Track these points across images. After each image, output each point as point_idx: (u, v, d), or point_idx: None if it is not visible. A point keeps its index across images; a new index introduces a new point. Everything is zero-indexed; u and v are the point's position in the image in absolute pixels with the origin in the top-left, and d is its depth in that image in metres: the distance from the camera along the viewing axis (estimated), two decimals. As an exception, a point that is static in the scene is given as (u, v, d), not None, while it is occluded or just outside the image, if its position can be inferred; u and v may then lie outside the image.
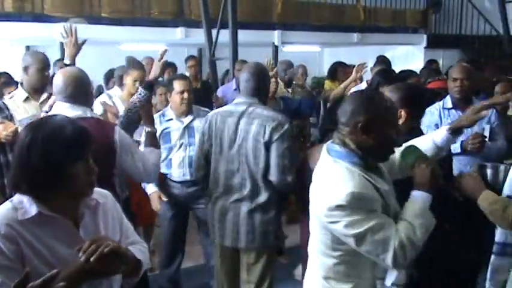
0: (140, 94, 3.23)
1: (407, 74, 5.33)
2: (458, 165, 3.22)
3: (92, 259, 1.50)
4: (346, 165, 1.86)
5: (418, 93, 2.66)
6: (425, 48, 10.73)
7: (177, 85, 3.69)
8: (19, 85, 3.46)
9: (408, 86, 2.86)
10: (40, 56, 3.39)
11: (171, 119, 3.74)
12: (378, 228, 1.77)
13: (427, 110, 3.50)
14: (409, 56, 10.60)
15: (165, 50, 3.44)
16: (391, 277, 1.90)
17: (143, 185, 3.77)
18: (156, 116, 3.69)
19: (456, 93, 3.40)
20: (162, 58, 3.39)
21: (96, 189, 1.77)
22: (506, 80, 4.09)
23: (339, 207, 1.78)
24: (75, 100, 2.66)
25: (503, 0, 10.18)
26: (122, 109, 3.64)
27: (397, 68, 6.04)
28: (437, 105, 3.53)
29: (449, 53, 10.49)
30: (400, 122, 2.35)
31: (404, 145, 2.03)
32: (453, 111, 3.44)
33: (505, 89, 3.86)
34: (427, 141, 2.19)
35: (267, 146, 2.90)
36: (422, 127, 3.42)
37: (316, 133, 5.60)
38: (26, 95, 3.33)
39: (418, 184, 1.90)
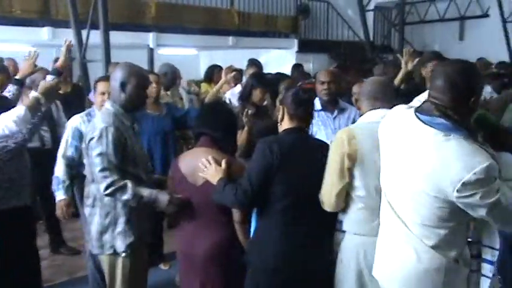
0: (10, 92, 3.31)
1: (281, 76, 5.54)
2: None
3: None
4: (461, 139, 1.87)
5: None
6: (296, 52, 11.25)
7: (100, 86, 3.57)
8: None
9: None
10: None
11: None
12: (505, 194, 1.84)
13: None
14: (282, 59, 11.02)
15: (35, 52, 3.62)
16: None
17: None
18: (81, 114, 3.60)
19: (324, 96, 3.60)
20: (32, 58, 3.55)
21: None
22: (361, 81, 4.38)
23: (478, 180, 1.80)
24: None
25: (363, 9, 10.99)
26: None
27: (271, 71, 6.25)
28: (308, 107, 3.69)
29: (319, 57, 11.11)
30: None
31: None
32: (322, 112, 3.63)
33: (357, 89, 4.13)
34: None
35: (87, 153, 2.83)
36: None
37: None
38: None
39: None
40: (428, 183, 1.92)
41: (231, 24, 10.03)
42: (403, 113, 2.09)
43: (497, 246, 2.25)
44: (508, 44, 11.83)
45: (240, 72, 6.22)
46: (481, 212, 1.87)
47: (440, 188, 1.89)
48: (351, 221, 2.46)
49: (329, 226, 2.54)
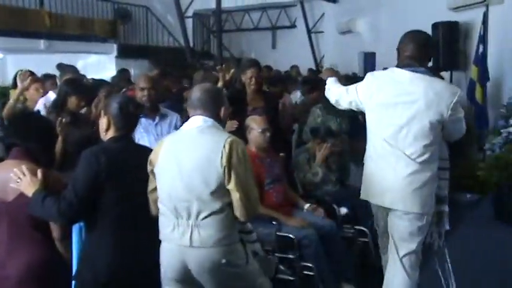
0: None
1: (99, 83, 5.35)
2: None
3: None
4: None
5: None
6: (116, 57, 10.96)
7: None
8: None
9: None
10: None
11: None
12: None
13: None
14: (101, 65, 10.65)
15: None
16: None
17: None
18: None
19: (144, 102, 3.56)
20: None
21: None
22: (188, 88, 4.51)
23: (460, 100, 2.81)
24: None
25: (182, 15, 11.16)
26: None
27: (90, 76, 6.00)
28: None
29: (139, 62, 10.96)
30: None
31: None
32: (143, 119, 3.58)
33: (187, 94, 4.23)
34: None
35: None
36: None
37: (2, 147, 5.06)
38: None
39: None
40: (431, 110, 2.78)
41: (41, 26, 9.37)
42: (388, 71, 2.99)
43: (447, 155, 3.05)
44: (313, 52, 13.08)
45: (54, 78, 5.85)
46: (459, 123, 2.87)
47: (439, 111, 2.78)
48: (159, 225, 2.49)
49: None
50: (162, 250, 2.45)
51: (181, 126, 3.63)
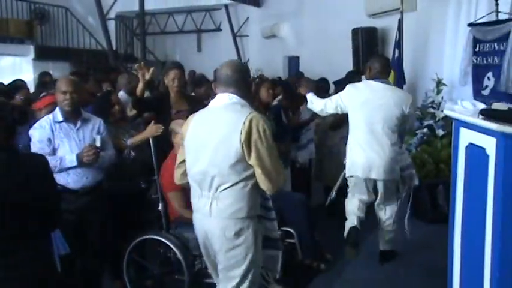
0: None
1: (17, 85, 5.08)
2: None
3: None
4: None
5: None
6: (33, 59, 10.47)
7: None
8: None
9: None
10: None
11: None
12: None
13: (38, 124, 3.42)
14: (17, 67, 10.14)
15: None
16: None
17: None
18: None
19: (66, 106, 3.42)
20: None
21: None
22: (114, 92, 4.38)
23: (412, 101, 4.11)
24: None
25: (103, 17, 10.84)
26: None
27: (5, 79, 5.70)
28: (48, 119, 3.45)
29: (59, 65, 10.52)
30: None
31: None
32: (64, 124, 3.44)
33: (116, 100, 4.10)
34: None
35: None
36: (34, 141, 3.33)
37: None
38: None
39: None
40: (397, 108, 3.97)
41: (-50, 26, 8.78)
42: (364, 83, 4.24)
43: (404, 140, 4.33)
44: (238, 56, 13.16)
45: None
46: (411, 118, 4.13)
47: (402, 109, 3.98)
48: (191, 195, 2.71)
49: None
50: (193, 219, 2.70)
51: (104, 131, 3.59)
